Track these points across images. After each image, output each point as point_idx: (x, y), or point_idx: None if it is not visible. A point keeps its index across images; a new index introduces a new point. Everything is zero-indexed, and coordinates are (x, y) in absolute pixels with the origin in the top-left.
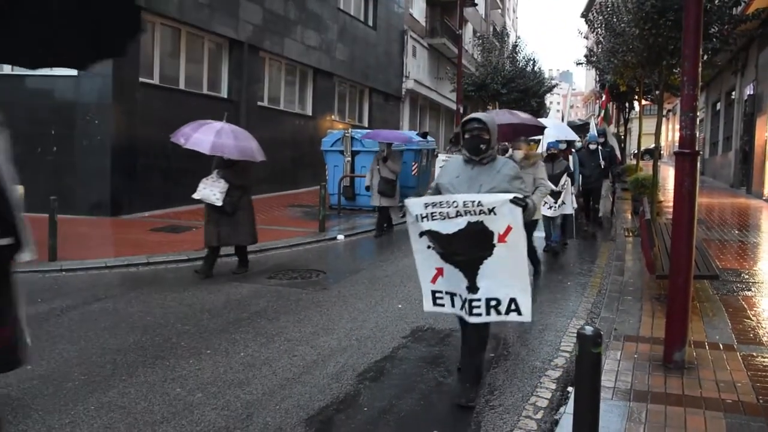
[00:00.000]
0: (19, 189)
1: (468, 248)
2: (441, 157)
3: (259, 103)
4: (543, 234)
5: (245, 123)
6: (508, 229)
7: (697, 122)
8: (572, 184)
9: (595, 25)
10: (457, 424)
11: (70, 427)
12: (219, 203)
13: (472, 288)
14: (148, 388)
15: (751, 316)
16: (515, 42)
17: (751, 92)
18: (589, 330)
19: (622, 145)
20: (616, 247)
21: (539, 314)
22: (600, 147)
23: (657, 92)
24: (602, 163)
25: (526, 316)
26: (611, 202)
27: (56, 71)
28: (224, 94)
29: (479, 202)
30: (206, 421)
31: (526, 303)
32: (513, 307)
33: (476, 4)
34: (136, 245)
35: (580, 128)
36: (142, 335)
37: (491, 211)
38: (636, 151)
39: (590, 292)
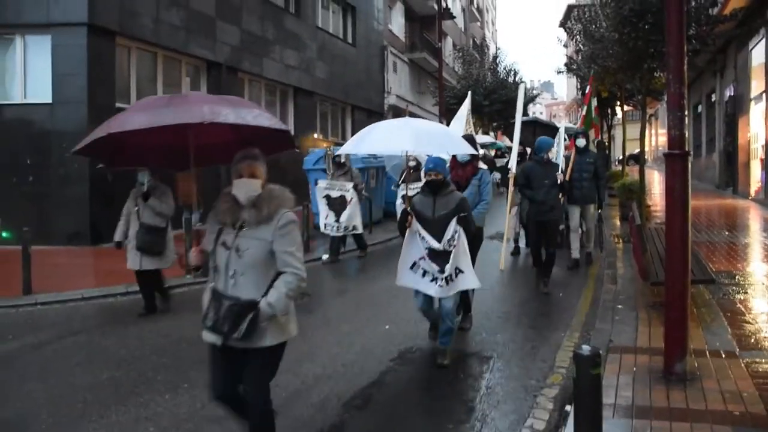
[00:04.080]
0: None
1: None
2: (321, 184)
3: None
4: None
5: None
6: None
7: (686, 121)
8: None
9: (574, 33)
10: None
11: None
12: None
13: None
14: (120, 429)
15: (750, 320)
16: (495, 53)
17: (732, 93)
18: (586, 350)
19: (607, 152)
20: (606, 255)
21: (531, 329)
22: (576, 156)
23: (639, 97)
24: (560, 177)
25: None
26: (597, 234)
27: (30, 99)
28: None
29: None
30: None
31: None
32: None
33: (454, 17)
34: (115, 275)
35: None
36: (117, 370)
37: None
38: (621, 157)
39: (583, 302)
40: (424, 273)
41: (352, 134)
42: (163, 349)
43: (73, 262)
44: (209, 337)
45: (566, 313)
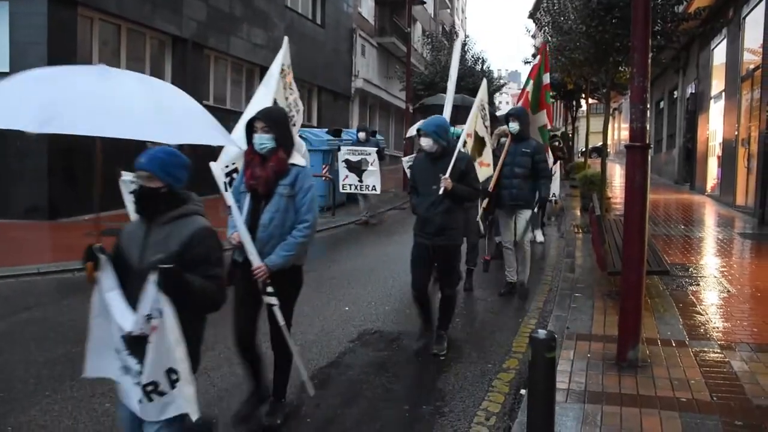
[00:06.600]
0: None
1: None
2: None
3: (205, 102)
4: None
5: None
6: None
7: (648, 115)
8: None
9: (543, 24)
10: None
11: None
12: None
13: None
14: (74, 405)
15: (700, 310)
16: (464, 41)
17: (693, 91)
18: (542, 334)
19: (570, 143)
20: (566, 244)
21: (491, 314)
22: (510, 144)
23: (604, 90)
24: (444, 183)
25: None
26: (527, 258)
27: None
28: None
29: None
30: None
31: None
32: None
33: (425, 2)
34: (73, 249)
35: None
36: (73, 346)
37: None
38: (584, 150)
39: (542, 290)
40: (126, 370)
41: (318, 116)
42: None
43: (30, 237)
44: None
45: (524, 300)
